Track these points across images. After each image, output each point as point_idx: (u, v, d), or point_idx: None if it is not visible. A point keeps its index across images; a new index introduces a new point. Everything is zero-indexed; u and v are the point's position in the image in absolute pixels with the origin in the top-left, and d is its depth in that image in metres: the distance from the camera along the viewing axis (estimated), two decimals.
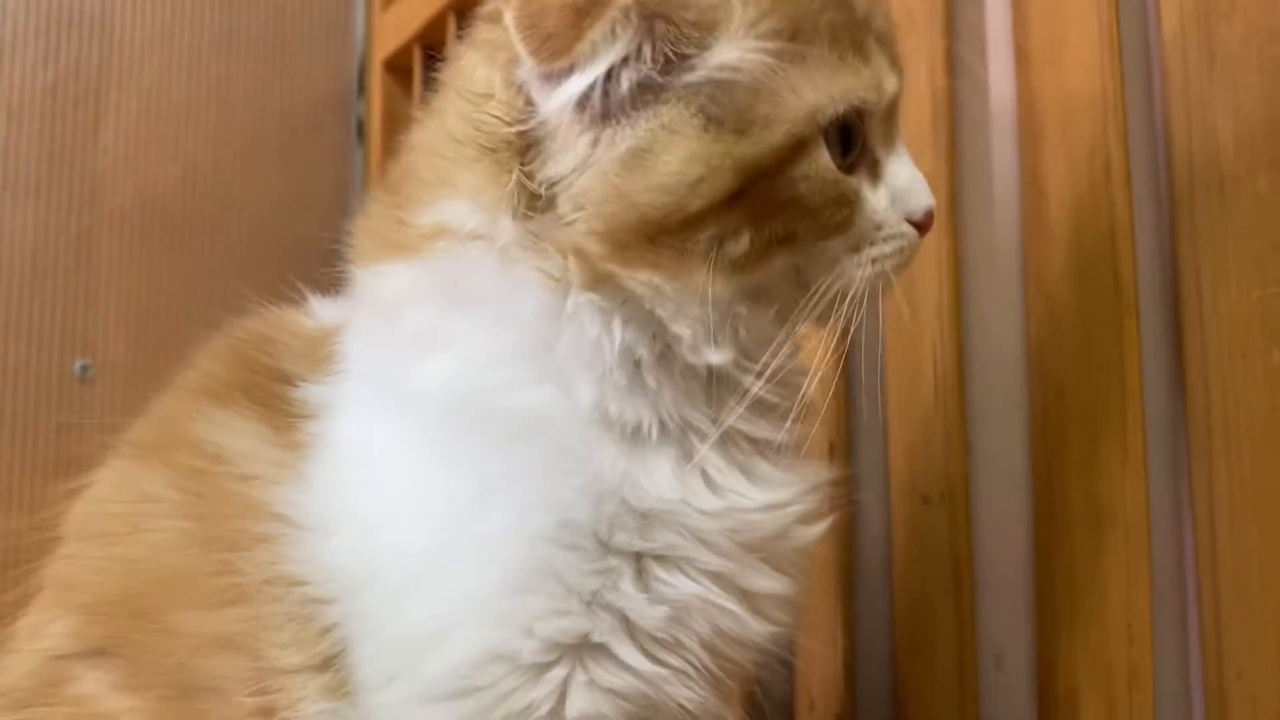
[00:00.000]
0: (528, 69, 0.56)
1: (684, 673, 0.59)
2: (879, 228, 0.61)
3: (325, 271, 0.69)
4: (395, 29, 1.65)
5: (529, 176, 0.57)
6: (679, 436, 0.60)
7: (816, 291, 0.60)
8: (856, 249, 0.60)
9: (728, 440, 0.61)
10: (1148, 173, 0.80)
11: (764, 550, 0.61)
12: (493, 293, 0.58)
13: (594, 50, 0.54)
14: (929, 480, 0.89)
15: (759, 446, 0.62)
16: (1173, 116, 0.77)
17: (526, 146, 0.58)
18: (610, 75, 0.55)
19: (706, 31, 0.55)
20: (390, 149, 1.61)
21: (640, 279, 0.56)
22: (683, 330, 0.58)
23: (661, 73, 0.55)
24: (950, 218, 0.89)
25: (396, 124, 1.63)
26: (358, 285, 0.64)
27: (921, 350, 0.90)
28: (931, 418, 0.89)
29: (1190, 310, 0.74)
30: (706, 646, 0.59)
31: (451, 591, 0.58)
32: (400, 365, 0.60)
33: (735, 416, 0.60)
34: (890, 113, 0.61)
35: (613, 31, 0.54)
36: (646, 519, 0.58)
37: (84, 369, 1.55)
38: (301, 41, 1.73)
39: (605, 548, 0.58)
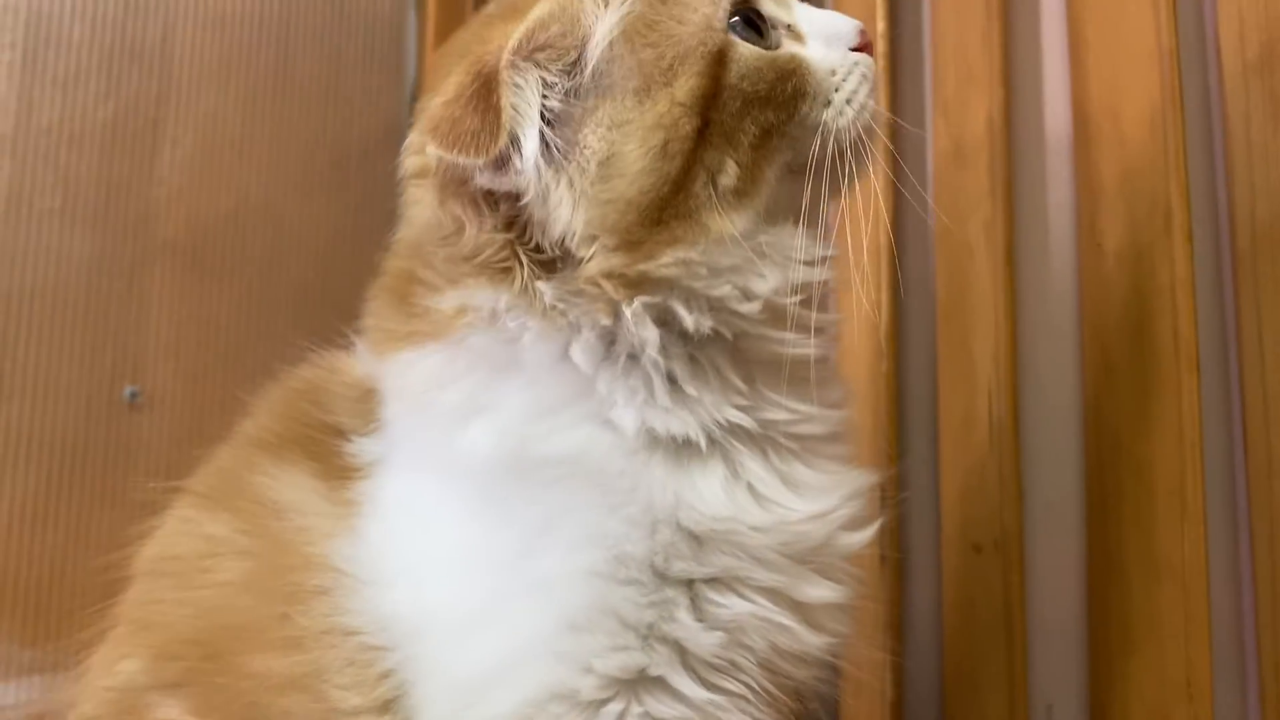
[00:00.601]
0: (480, 171, 0.58)
1: (741, 697, 0.60)
2: (833, 72, 0.63)
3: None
4: None
5: (536, 250, 0.59)
6: (724, 446, 0.61)
7: (817, 163, 0.62)
8: (827, 103, 0.63)
9: (768, 443, 0.62)
10: (1208, 227, 0.80)
11: (814, 559, 0.61)
12: (532, 355, 0.60)
13: (518, 111, 0.57)
14: (981, 528, 0.89)
15: (800, 445, 0.63)
16: (1235, 171, 0.77)
17: (520, 232, 0.59)
18: (544, 119, 0.57)
19: (574, 31, 0.58)
20: None
21: (667, 261, 0.58)
22: (724, 289, 0.60)
23: (573, 90, 0.58)
24: (1007, 265, 0.90)
25: None
26: (384, 375, 0.65)
27: (976, 395, 0.91)
28: (985, 464, 0.89)
29: (1251, 367, 0.74)
30: (764, 665, 0.60)
31: (510, 633, 0.58)
32: (442, 438, 0.61)
33: (789, 343, 0.61)
34: None
35: (517, 87, 0.57)
36: (701, 542, 0.59)
37: (133, 395, 1.57)
38: (355, 77, 1.76)
39: (662, 578, 0.59)
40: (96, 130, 1.55)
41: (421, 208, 0.64)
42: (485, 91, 0.56)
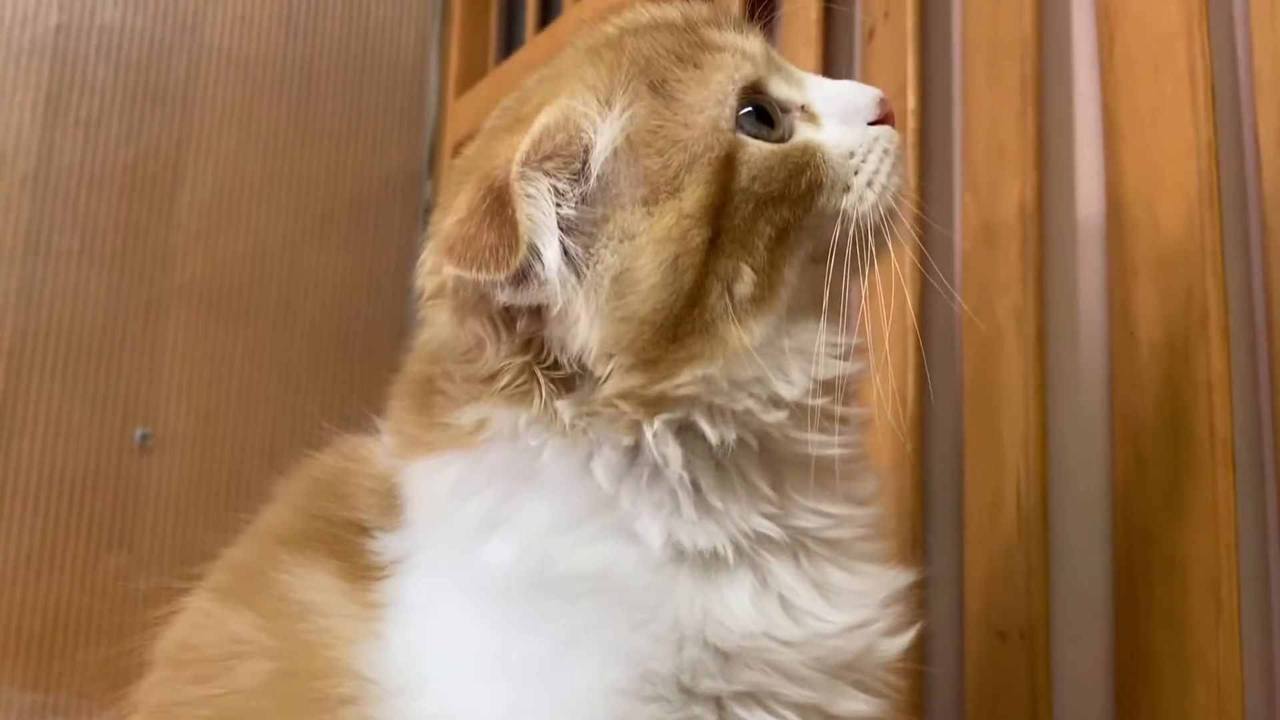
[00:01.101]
0: (500, 287, 0.56)
1: None
2: (851, 154, 0.62)
3: (387, 351, 0.69)
4: (467, 116, 1.68)
5: (554, 367, 0.58)
6: (753, 556, 0.59)
7: (838, 251, 0.60)
8: (846, 188, 0.61)
9: (799, 550, 0.60)
10: (1243, 322, 0.80)
11: (850, 673, 0.60)
12: (552, 470, 0.59)
13: (534, 221, 0.55)
14: (1007, 615, 0.88)
15: (833, 549, 0.61)
16: (1273, 270, 0.76)
17: (537, 352, 0.58)
18: (561, 228, 0.56)
19: (578, 139, 0.57)
20: None
21: (685, 380, 0.57)
22: (748, 401, 0.58)
23: (583, 199, 0.57)
24: (1038, 351, 0.89)
25: None
26: (405, 480, 0.64)
27: (1004, 480, 0.90)
28: (1012, 550, 0.88)
29: None
30: None
31: None
32: (464, 549, 0.60)
33: (817, 444, 0.60)
34: (773, 63, 0.63)
35: (530, 197, 0.55)
36: (729, 659, 0.57)
37: (144, 437, 1.56)
38: (376, 124, 1.77)
39: (689, 695, 0.57)
40: (117, 172, 1.56)
41: (439, 327, 0.62)
42: (499, 205, 0.55)
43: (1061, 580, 0.87)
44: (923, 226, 1.00)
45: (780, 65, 0.64)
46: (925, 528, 0.96)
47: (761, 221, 0.58)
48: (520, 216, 0.54)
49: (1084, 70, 0.94)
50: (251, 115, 1.66)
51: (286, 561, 0.64)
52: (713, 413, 0.58)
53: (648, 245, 0.57)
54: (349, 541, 0.64)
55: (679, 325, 0.57)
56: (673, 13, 0.64)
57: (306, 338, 1.63)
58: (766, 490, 0.59)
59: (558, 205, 0.56)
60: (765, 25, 0.67)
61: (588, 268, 0.57)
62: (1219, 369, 0.77)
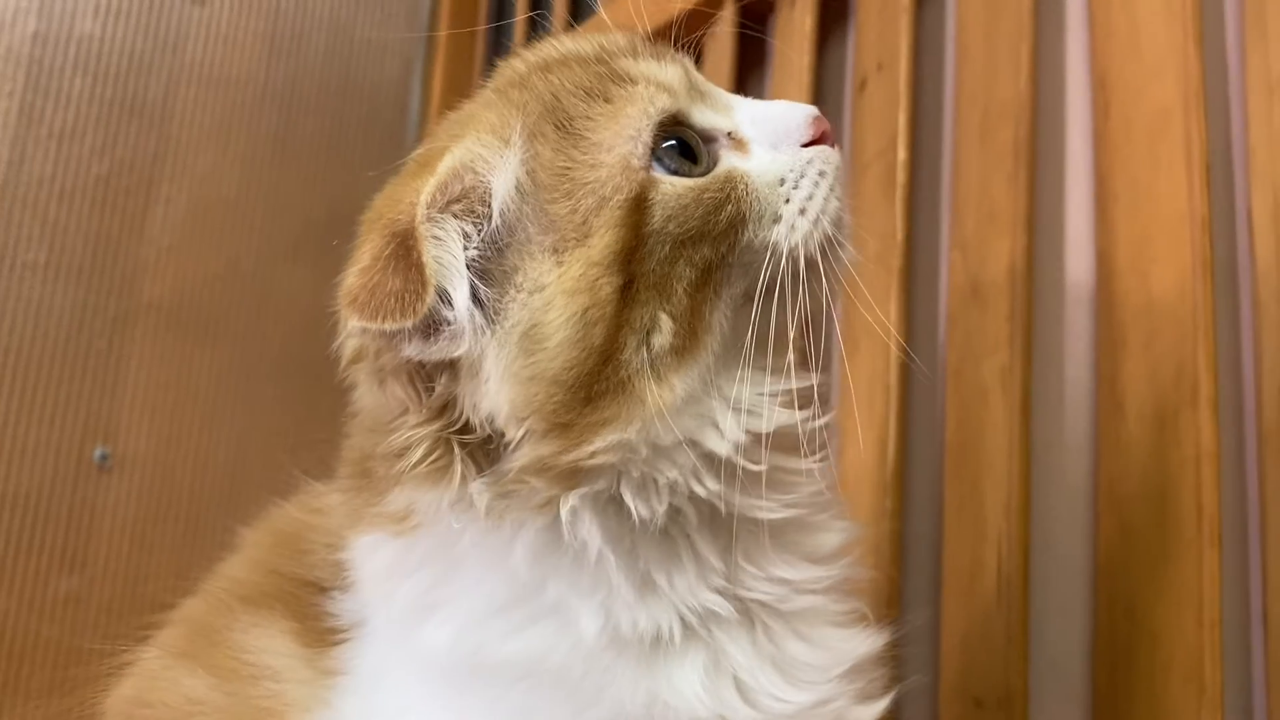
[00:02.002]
0: (409, 338, 0.52)
1: None
2: (781, 180, 0.57)
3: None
4: None
5: (466, 430, 0.54)
6: (703, 634, 0.55)
7: (768, 288, 0.55)
8: (776, 218, 0.56)
9: (754, 621, 0.56)
10: (1231, 399, 0.79)
11: None
12: (476, 555, 0.55)
13: (441, 264, 0.51)
14: (984, 683, 0.87)
15: (790, 620, 0.57)
16: (1264, 348, 0.76)
17: (451, 419, 0.54)
18: (471, 271, 0.52)
19: (482, 183, 0.53)
20: None
21: (599, 447, 0.52)
22: (672, 472, 0.53)
23: (492, 245, 0.53)
24: (1023, 415, 0.88)
25: None
26: (350, 552, 0.61)
27: (985, 545, 0.89)
28: (991, 616, 0.87)
29: (1275, 549, 0.73)
30: None
31: None
32: (405, 627, 0.58)
33: (768, 508, 0.55)
34: (696, 90, 0.58)
35: (437, 239, 0.51)
36: None
37: (103, 457, 1.52)
38: (355, 146, 1.75)
39: None
40: (89, 185, 1.52)
41: (361, 395, 0.58)
42: (404, 250, 0.50)
43: (1040, 650, 0.86)
44: (909, 277, 1.00)
45: (704, 91, 0.59)
46: (902, 585, 0.95)
47: (680, 264, 0.53)
48: (427, 259, 0.50)
49: (1077, 135, 0.94)
50: (229, 134, 1.64)
51: (244, 620, 0.62)
52: (637, 484, 0.53)
53: (556, 298, 0.52)
54: (308, 602, 0.62)
55: (592, 384, 0.52)
56: (586, 45, 0.60)
57: (275, 362, 1.60)
58: (715, 562, 0.55)
59: (466, 249, 0.52)
60: (692, 49, 0.63)
61: (497, 319, 0.52)
62: (1208, 444, 0.76)
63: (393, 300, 0.50)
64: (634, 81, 0.57)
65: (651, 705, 0.54)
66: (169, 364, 1.55)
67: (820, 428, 0.59)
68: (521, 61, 0.62)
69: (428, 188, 0.52)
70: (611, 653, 0.54)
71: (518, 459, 0.53)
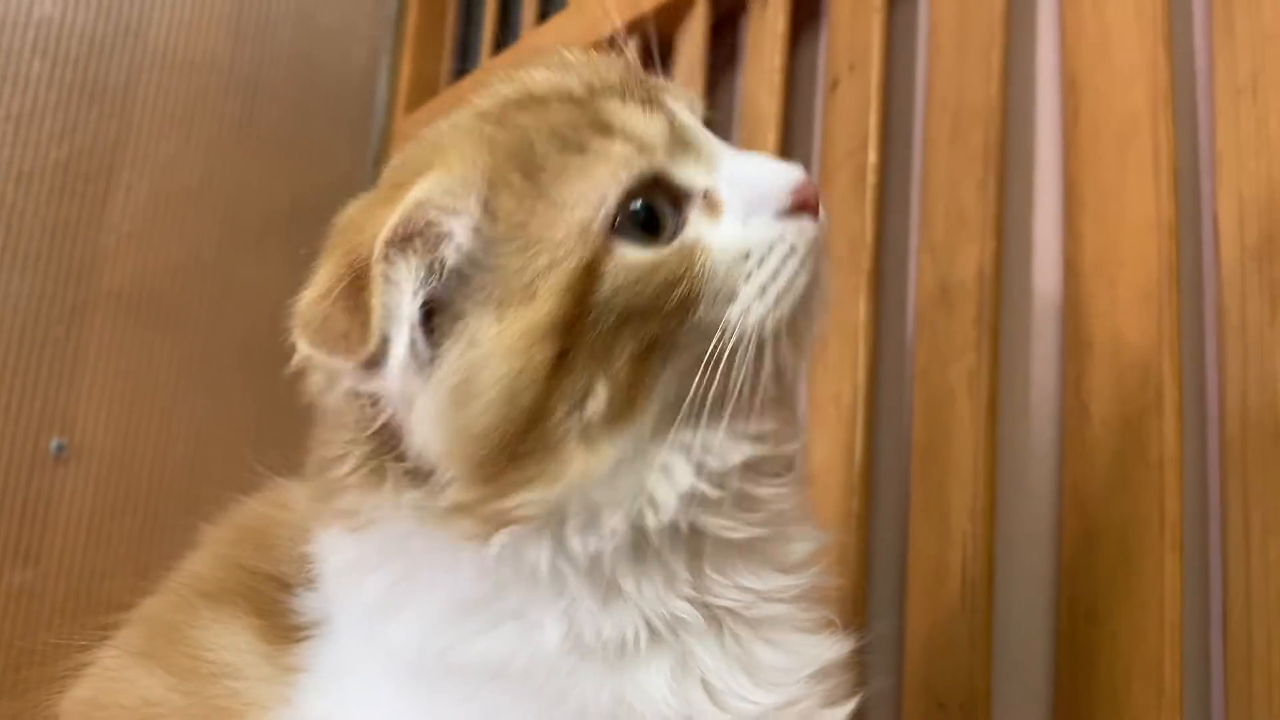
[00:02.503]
0: (350, 372, 0.53)
1: None
2: (746, 255, 0.54)
3: None
4: (416, 134, 1.65)
5: (400, 459, 0.54)
6: (670, 639, 0.55)
7: (718, 362, 0.53)
8: (731, 298, 0.53)
9: (722, 627, 0.56)
10: (1195, 405, 0.80)
11: None
12: (428, 557, 0.55)
13: (388, 311, 0.51)
14: (947, 686, 0.87)
15: (757, 626, 0.57)
16: (1228, 355, 0.77)
17: (385, 440, 0.54)
18: (418, 319, 0.52)
19: (440, 223, 0.52)
20: None
21: (520, 503, 0.51)
22: (614, 520, 0.53)
23: (443, 288, 0.52)
24: (989, 419, 0.89)
25: None
26: (316, 546, 0.61)
27: (949, 548, 0.89)
28: (956, 620, 0.87)
29: (1236, 554, 0.74)
30: None
31: None
32: (370, 624, 0.57)
33: (732, 528, 0.55)
34: (680, 140, 0.55)
35: (389, 281, 0.51)
36: None
37: (59, 448, 1.50)
38: (319, 137, 1.73)
39: None
40: (48, 170, 1.50)
41: (311, 393, 0.58)
42: (356, 288, 0.51)
43: (1003, 652, 0.87)
44: (877, 279, 1.00)
45: (689, 142, 0.56)
46: (867, 586, 0.95)
47: (625, 335, 0.52)
48: (375, 303, 0.50)
49: (1047, 140, 0.95)
50: (192, 120, 1.61)
51: (205, 617, 0.61)
52: (579, 524, 0.53)
53: (492, 356, 0.51)
54: (271, 598, 0.61)
55: (518, 445, 0.51)
56: (573, 79, 0.58)
57: (236, 353, 1.58)
58: (683, 572, 0.55)
59: (416, 293, 0.51)
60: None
61: (433, 366, 0.52)
62: (1171, 451, 0.77)
63: (337, 338, 0.51)
64: (612, 135, 0.54)
65: (617, 707, 0.53)
66: (128, 353, 1.53)
67: (790, 451, 0.59)
68: (506, 87, 0.59)
69: (390, 221, 0.51)
70: (575, 657, 0.54)
71: (446, 496, 0.53)
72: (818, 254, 0.55)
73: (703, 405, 0.53)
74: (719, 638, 0.56)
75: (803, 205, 0.55)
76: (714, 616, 0.56)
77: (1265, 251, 0.76)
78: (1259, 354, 0.75)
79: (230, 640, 0.60)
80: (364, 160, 1.78)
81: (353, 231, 0.54)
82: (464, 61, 1.74)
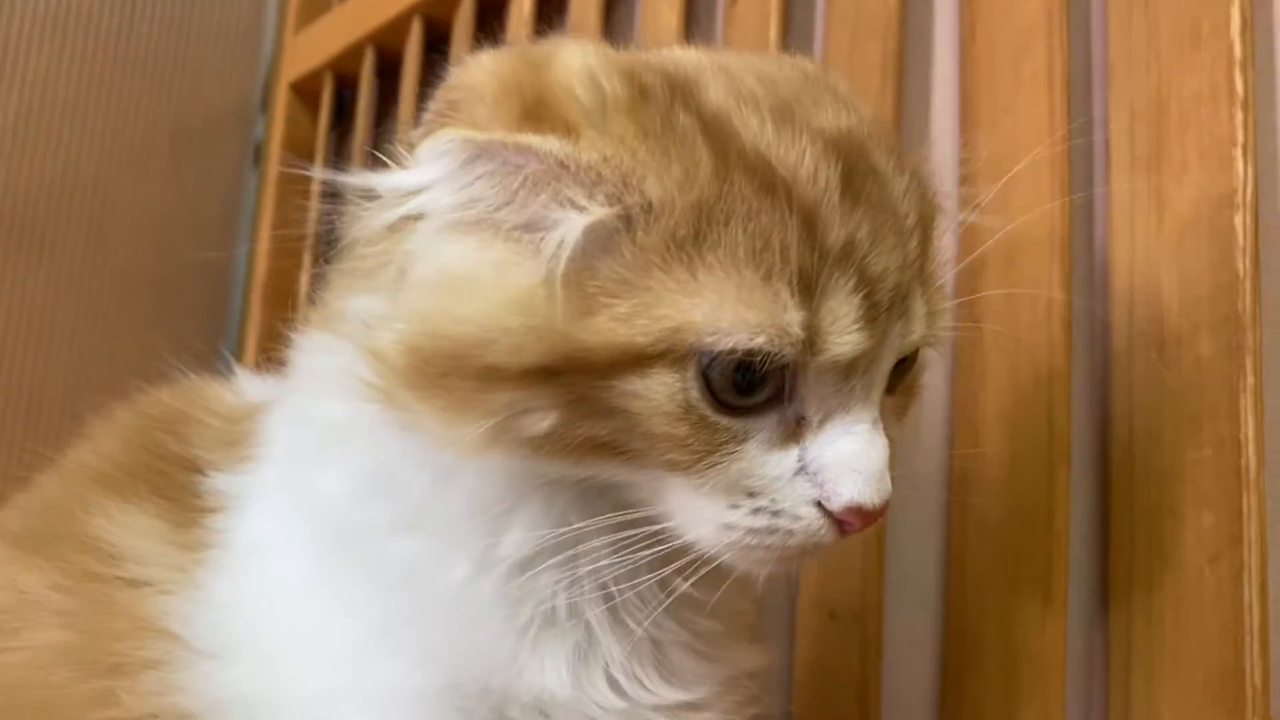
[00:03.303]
0: (505, 168, 0.48)
1: None
2: (754, 494, 0.48)
3: (208, 301, 0.63)
4: (307, 52, 1.59)
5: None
6: (578, 624, 0.54)
7: (648, 522, 0.50)
8: (711, 498, 0.48)
9: (632, 634, 0.54)
10: (1086, 320, 0.81)
11: None
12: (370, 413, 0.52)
13: (423, 155, 0.48)
14: (839, 596, 0.88)
15: (666, 635, 0.56)
16: (1115, 268, 0.77)
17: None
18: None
19: (583, 185, 0.46)
20: (288, 175, 1.55)
21: (423, 411, 0.49)
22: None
23: (503, 210, 0.48)
24: None
25: (298, 150, 1.57)
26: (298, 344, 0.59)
27: None
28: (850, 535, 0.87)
29: (1121, 464, 0.75)
30: None
31: None
32: (304, 463, 0.56)
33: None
34: (851, 370, 0.48)
35: (440, 150, 0.47)
36: (539, 705, 0.53)
37: None
38: (204, 51, 1.65)
39: (501, 718, 0.53)
40: None
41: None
42: (535, 109, 0.48)
43: (894, 561, 0.88)
44: None
45: (855, 376, 0.48)
46: None
47: (605, 423, 0.47)
48: (517, 141, 0.46)
49: (944, 53, 0.94)
50: (66, 32, 1.53)
51: (101, 501, 0.58)
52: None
53: (504, 294, 0.47)
54: (179, 480, 0.59)
55: (452, 373, 0.47)
56: (827, 173, 0.48)
57: (118, 279, 1.52)
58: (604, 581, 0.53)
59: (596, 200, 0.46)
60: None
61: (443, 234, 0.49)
62: (1060, 364, 0.77)
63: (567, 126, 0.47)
64: (809, 298, 0.46)
65: (511, 664, 0.53)
66: (2, 278, 1.46)
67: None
68: (747, 126, 0.48)
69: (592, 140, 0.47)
70: (474, 605, 0.53)
71: (380, 333, 0.50)
72: (809, 552, 0.50)
73: (615, 530, 0.51)
74: (630, 635, 0.54)
75: (841, 523, 0.49)
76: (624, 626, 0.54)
77: (1154, 163, 0.76)
78: (1146, 266, 0.75)
79: (130, 522, 0.57)
80: (253, 81, 1.70)
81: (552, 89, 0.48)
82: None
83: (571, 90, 0.47)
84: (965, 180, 0.87)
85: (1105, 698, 0.75)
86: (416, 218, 0.49)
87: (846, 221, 0.47)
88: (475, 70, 0.49)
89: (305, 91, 1.59)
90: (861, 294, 0.47)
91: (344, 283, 0.55)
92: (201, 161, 1.62)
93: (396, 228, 0.51)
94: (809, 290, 0.46)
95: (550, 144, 0.46)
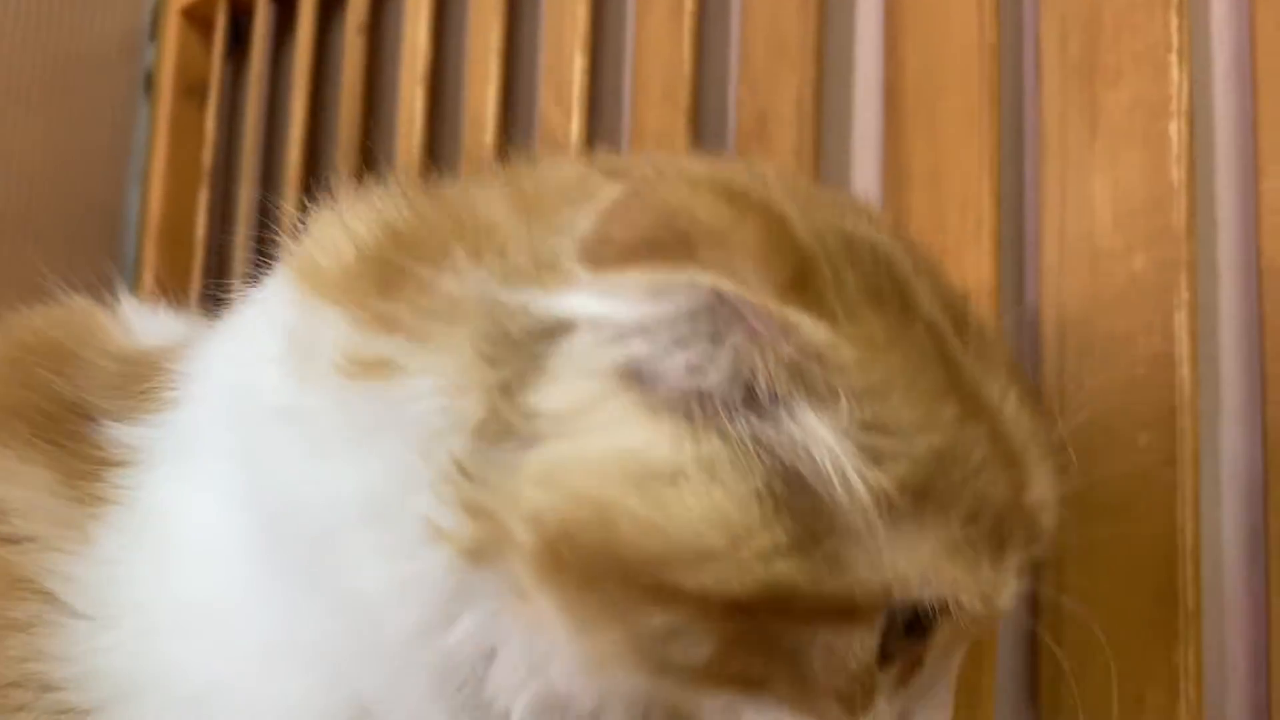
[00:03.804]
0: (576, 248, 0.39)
1: None
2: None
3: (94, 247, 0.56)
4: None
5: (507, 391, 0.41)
6: None
7: None
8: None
9: None
10: (1014, 235, 0.78)
11: None
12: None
13: (641, 286, 0.37)
14: None
15: None
16: (1047, 179, 0.75)
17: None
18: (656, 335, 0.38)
19: (834, 388, 0.38)
20: (182, 107, 1.46)
21: (543, 602, 0.40)
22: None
23: (728, 390, 0.39)
24: None
25: (190, 80, 1.48)
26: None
27: None
28: None
29: (1051, 385, 0.72)
30: None
31: None
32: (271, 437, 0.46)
33: None
34: (974, 627, 0.45)
35: (674, 291, 0.37)
36: None
37: None
38: None
39: None
40: None
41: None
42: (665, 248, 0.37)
43: None
44: (698, 118, 0.95)
45: (968, 635, 0.46)
46: None
47: (770, 661, 0.40)
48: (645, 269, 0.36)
49: None
50: None
51: None
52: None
53: (709, 506, 0.38)
54: (69, 426, 0.52)
55: (608, 579, 0.39)
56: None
57: None
58: None
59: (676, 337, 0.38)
60: None
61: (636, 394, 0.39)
62: (988, 278, 0.75)
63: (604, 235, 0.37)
64: (999, 561, 0.42)
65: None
66: None
67: None
68: (952, 345, 0.41)
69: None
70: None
71: (501, 491, 0.40)
72: None
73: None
74: None
75: None
76: None
77: (1086, 71, 0.73)
78: (1078, 176, 0.73)
79: (10, 469, 0.51)
80: (137, 24, 1.60)
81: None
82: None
83: (817, 263, 0.38)
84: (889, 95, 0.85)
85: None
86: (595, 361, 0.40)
87: (1039, 473, 0.43)
88: (711, 204, 0.37)
89: (197, 18, 1.50)
90: (1023, 550, 0.43)
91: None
92: (87, 98, 1.52)
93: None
94: (1001, 547, 0.42)
95: (819, 331, 0.37)
